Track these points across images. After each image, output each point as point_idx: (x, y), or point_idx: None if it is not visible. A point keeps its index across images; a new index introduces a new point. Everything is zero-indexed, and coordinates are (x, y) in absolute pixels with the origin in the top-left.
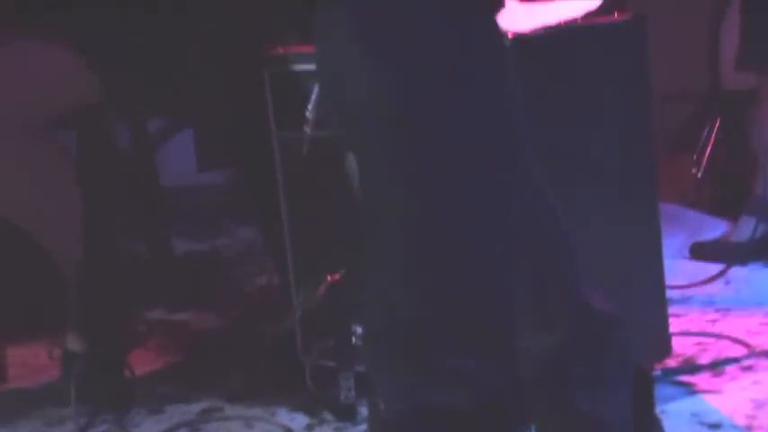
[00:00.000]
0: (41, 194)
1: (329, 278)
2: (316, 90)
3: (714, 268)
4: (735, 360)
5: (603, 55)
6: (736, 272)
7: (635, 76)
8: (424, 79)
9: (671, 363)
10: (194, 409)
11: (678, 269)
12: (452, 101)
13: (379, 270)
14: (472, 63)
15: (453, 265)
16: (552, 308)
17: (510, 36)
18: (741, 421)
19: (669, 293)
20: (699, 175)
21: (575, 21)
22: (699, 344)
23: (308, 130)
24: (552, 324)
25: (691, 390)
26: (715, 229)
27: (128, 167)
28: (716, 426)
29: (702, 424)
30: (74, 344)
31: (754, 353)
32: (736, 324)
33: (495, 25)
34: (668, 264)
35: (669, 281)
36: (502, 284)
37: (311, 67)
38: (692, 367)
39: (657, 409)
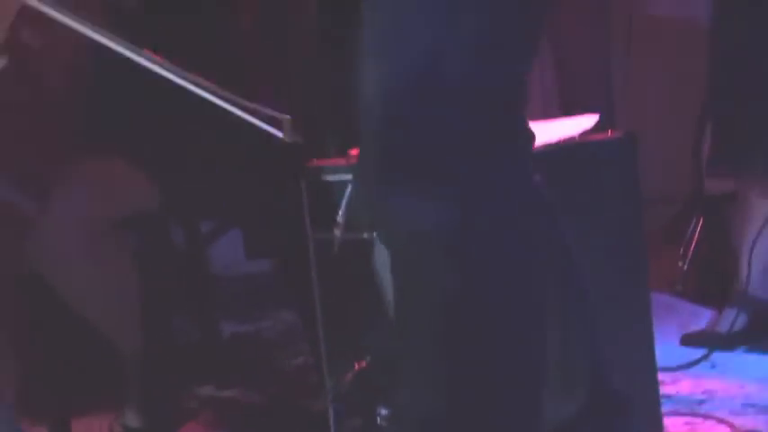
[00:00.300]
0: (106, 287)
1: (357, 366)
2: (346, 197)
3: (701, 353)
4: None
5: (599, 167)
6: (721, 356)
7: (627, 185)
8: (468, 216)
9: None
10: None
11: (668, 353)
12: (495, 236)
13: (410, 373)
14: (514, 204)
15: (481, 380)
16: (574, 371)
17: None
18: None
19: (660, 376)
20: (685, 268)
21: (573, 138)
22: (688, 423)
23: (338, 233)
24: (572, 389)
25: None
26: (701, 316)
27: (182, 262)
28: None
29: None
30: (132, 420)
31: None
32: (721, 405)
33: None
34: (659, 348)
35: (660, 364)
36: (530, 406)
37: (341, 177)
38: None
39: None
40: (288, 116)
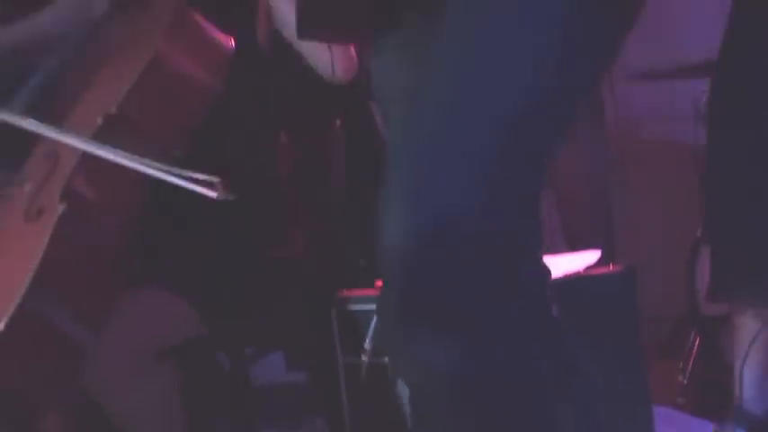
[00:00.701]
0: (154, 408)
1: None
2: (372, 326)
3: None
4: None
5: (602, 297)
6: None
7: (627, 311)
8: (482, 361)
9: None
10: None
11: None
12: (509, 379)
13: None
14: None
15: None
16: None
17: None
18: None
19: None
20: (685, 382)
21: (577, 272)
22: None
23: (365, 358)
24: None
25: None
26: (703, 428)
27: (226, 382)
28: None
29: None
30: None
31: None
32: None
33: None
34: None
35: None
36: None
37: (367, 307)
38: None
39: None
40: (218, 178)
